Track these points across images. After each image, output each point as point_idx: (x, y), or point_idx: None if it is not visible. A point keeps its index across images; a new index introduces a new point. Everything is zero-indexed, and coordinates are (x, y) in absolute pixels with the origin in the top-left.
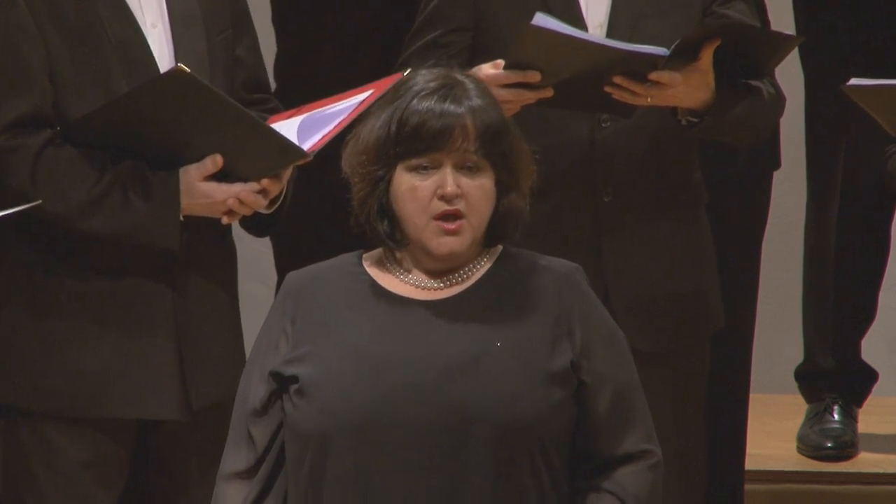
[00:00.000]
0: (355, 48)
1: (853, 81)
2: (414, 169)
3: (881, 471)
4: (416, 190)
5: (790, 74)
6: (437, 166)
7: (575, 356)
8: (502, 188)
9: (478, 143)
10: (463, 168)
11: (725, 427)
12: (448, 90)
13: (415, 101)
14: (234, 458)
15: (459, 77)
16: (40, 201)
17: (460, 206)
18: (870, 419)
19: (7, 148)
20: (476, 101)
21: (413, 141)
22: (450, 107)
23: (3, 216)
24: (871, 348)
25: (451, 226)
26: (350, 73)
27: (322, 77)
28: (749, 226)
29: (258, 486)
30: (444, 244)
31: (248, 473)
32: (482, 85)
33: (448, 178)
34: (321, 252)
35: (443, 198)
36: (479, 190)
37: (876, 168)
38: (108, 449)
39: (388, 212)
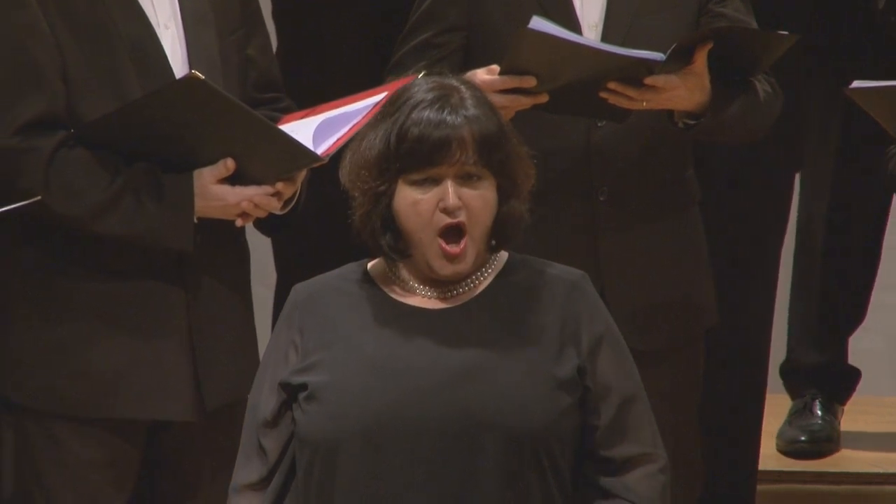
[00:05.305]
0: (355, 44)
1: (856, 84)
2: (415, 183)
3: (874, 470)
4: (418, 204)
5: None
6: (437, 179)
7: (581, 362)
8: (503, 194)
9: (477, 154)
10: (463, 178)
11: (738, 426)
12: (445, 101)
13: (413, 114)
14: (246, 470)
15: (456, 84)
16: (40, 197)
17: (462, 217)
18: (867, 418)
19: (20, 149)
20: (473, 111)
21: (413, 155)
22: (447, 118)
23: (4, 211)
24: (871, 348)
25: (454, 250)
26: (351, 68)
27: (323, 72)
28: (769, 225)
29: (270, 497)
30: (448, 267)
31: (259, 485)
32: (479, 92)
33: (449, 191)
34: (322, 252)
35: (445, 210)
36: (480, 200)
37: (868, 168)
38: (120, 450)
39: (390, 225)
